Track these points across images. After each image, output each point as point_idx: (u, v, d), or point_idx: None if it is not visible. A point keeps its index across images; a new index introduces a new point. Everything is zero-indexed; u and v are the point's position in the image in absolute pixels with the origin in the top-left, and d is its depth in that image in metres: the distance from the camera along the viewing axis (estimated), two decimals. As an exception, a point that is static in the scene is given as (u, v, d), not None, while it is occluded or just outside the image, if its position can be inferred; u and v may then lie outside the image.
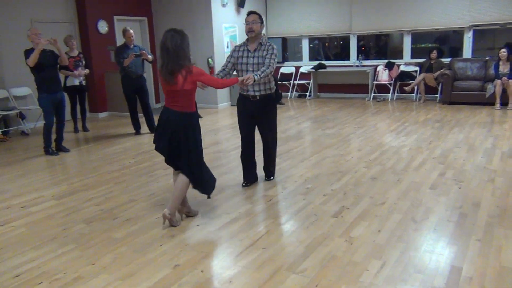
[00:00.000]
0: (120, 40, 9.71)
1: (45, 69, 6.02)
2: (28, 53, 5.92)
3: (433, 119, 7.82)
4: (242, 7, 10.68)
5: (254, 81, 4.00)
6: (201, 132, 3.75)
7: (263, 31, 4.51)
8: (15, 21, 8.20)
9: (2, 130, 7.77)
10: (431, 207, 3.88)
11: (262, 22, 4.30)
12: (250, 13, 4.32)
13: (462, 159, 5.30)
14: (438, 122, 7.57)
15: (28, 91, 8.29)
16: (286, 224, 3.65)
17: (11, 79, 8.18)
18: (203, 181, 3.70)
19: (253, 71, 4.20)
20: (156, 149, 3.71)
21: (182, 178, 3.64)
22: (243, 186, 4.62)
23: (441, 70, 9.41)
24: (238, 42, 10.54)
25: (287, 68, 11.72)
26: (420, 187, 4.40)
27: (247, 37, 4.35)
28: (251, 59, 4.25)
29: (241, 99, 4.45)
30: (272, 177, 4.83)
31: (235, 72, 4.41)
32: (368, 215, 3.75)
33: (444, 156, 5.46)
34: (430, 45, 10.65)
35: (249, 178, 4.69)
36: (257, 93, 4.31)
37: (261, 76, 4.07)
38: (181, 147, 3.58)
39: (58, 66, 6.35)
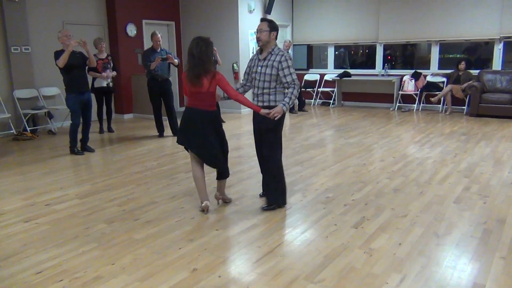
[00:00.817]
0: (148, 43, 9.88)
1: (74, 70, 6.16)
2: (58, 54, 6.07)
3: (459, 132, 7.67)
4: (269, 13, 10.72)
5: (284, 112, 3.85)
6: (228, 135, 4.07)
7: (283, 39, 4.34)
8: (47, 23, 8.43)
9: (30, 128, 7.97)
10: (455, 222, 3.80)
11: (272, 30, 3.95)
12: (261, 20, 4.08)
13: (488, 174, 5.17)
14: (464, 134, 7.42)
15: (57, 91, 8.50)
16: (305, 233, 3.63)
17: (41, 79, 8.40)
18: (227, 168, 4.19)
19: (260, 80, 3.96)
20: (187, 147, 4.07)
21: (200, 170, 4.11)
22: (260, 196, 4.51)
23: (469, 82, 9.24)
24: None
25: (312, 76, 11.69)
26: (443, 200, 4.32)
27: None
28: (259, 68, 3.98)
29: (253, 112, 4.16)
30: (266, 206, 4.17)
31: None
32: (389, 227, 3.70)
33: (469, 170, 5.34)
34: (458, 55, 10.48)
35: (264, 190, 4.41)
36: (260, 104, 4.00)
37: (290, 103, 3.90)
38: (212, 140, 3.95)
39: (87, 67, 6.49)
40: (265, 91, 3.97)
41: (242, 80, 4.30)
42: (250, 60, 4.21)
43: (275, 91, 3.97)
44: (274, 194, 4.19)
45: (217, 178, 4.21)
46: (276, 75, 3.92)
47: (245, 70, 4.26)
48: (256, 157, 4.36)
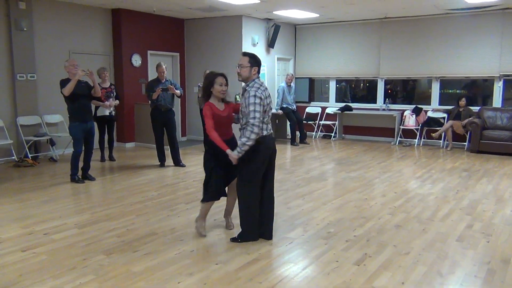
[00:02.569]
0: (152, 73, 10.01)
1: (79, 99, 6.21)
2: (63, 82, 6.13)
3: (460, 168, 7.66)
4: (272, 47, 10.91)
5: (238, 157, 3.82)
6: None
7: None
8: (53, 52, 8.56)
9: (32, 155, 7.98)
10: (458, 260, 3.75)
11: (253, 65, 3.86)
12: (242, 54, 3.99)
13: (490, 212, 5.14)
14: (465, 171, 7.42)
15: (60, 118, 8.54)
16: (306, 269, 3.58)
17: (45, 106, 8.47)
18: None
19: (240, 113, 3.95)
20: None
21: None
22: None
23: (470, 118, 9.30)
24: (266, 82, 10.72)
25: (313, 108, 11.79)
26: (446, 238, 4.27)
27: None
28: (241, 102, 3.93)
29: None
30: (233, 238, 4.13)
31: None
32: (391, 265, 3.65)
33: (471, 207, 5.31)
34: (458, 91, 10.58)
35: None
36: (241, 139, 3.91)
37: (242, 148, 3.78)
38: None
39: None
40: (243, 126, 3.90)
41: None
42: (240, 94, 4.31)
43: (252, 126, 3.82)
44: (242, 226, 4.14)
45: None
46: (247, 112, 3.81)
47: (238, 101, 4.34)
48: None
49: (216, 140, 3.92)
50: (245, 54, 4.00)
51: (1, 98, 7.74)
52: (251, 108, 3.76)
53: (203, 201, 4.28)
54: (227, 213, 4.53)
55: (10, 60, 7.93)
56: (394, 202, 5.52)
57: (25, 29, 7.97)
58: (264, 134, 3.92)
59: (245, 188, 4.02)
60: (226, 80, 4.08)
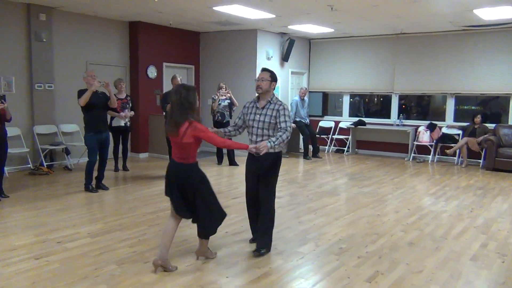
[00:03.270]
0: (167, 85, 10.13)
1: (95, 109, 6.30)
2: (81, 93, 6.24)
3: (475, 186, 7.56)
4: (286, 61, 10.96)
5: (268, 148, 3.88)
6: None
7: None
8: (71, 62, 8.72)
9: (47, 163, 8.09)
10: (472, 280, 3.69)
11: (273, 80, 4.16)
12: (262, 70, 4.26)
13: (506, 231, 5.06)
14: (480, 189, 7.32)
15: (76, 128, 8.66)
16: (317, 285, 3.55)
17: (62, 116, 8.60)
18: (208, 226, 3.86)
19: (258, 128, 4.12)
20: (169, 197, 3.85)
21: (174, 225, 3.80)
22: (250, 242, 4.47)
23: (485, 136, 9.20)
24: (280, 95, 10.76)
25: (327, 123, 11.77)
26: (460, 257, 4.21)
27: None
28: (258, 116, 4.12)
29: (248, 154, 4.29)
30: (261, 251, 4.13)
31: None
32: (403, 283, 3.60)
33: (486, 226, 5.23)
34: (473, 108, 10.49)
35: (256, 235, 4.42)
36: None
37: (276, 143, 3.94)
38: (188, 198, 3.71)
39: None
40: (264, 138, 4.09)
41: (233, 122, 4.42)
42: (244, 108, 4.32)
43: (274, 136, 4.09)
44: (267, 238, 4.23)
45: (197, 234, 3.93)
46: (275, 123, 4.10)
47: (238, 115, 4.38)
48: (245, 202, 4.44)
49: (234, 145, 4.08)
50: (265, 69, 4.26)
51: (19, 107, 7.88)
52: (287, 119, 4.10)
53: (210, 235, 3.93)
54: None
55: (29, 70, 8.10)
56: (407, 219, 5.47)
57: (44, 40, 8.14)
58: (281, 149, 4.20)
59: (272, 197, 4.22)
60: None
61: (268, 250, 4.22)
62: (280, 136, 4.00)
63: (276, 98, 4.22)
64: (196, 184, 3.71)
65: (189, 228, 4.91)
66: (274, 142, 3.95)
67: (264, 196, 4.20)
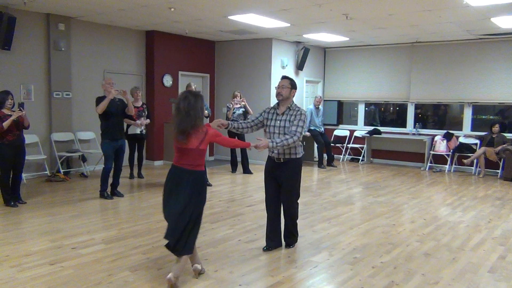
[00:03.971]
0: (182, 94, 10.17)
1: (112, 117, 6.38)
2: (99, 100, 6.33)
3: (493, 196, 7.42)
4: (301, 69, 10.97)
5: (269, 147, 4.04)
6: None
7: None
8: (89, 71, 8.86)
9: (64, 170, 8.19)
10: (490, 293, 3.60)
11: (293, 87, 4.31)
12: (282, 77, 4.39)
13: (525, 243, 4.94)
14: (499, 199, 7.18)
15: (93, 135, 8.77)
16: (331, 295, 3.51)
17: (79, 124, 8.73)
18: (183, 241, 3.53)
19: (279, 134, 4.25)
20: (164, 213, 3.69)
21: None
22: (263, 250, 4.46)
23: (504, 145, 9.05)
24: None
25: (341, 131, 11.72)
26: (477, 269, 4.12)
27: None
28: (278, 122, 4.28)
29: (268, 160, 4.44)
30: (291, 246, 4.59)
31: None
32: (419, 294, 3.54)
33: (505, 237, 5.12)
34: (491, 117, 10.33)
35: (270, 243, 4.49)
36: (281, 156, 4.29)
37: (278, 144, 4.04)
38: (185, 205, 3.52)
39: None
40: (284, 147, 4.20)
41: (251, 120, 4.50)
42: (265, 112, 4.44)
43: (295, 144, 4.24)
44: (293, 234, 4.61)
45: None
46: None
47: (257, 114, 4.50)
48: (265, 207, 4.56)
49: (239, 145, 4.40)
50: (285, 77, 4.40)
51: (37, 115, 8.02)
52: (301, 124, 4.20)
53: (186, 253, 3.55)
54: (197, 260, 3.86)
55: (48, 79, 8.24)
56: (423, 229, 5.38)
57: (63, 49, 8.29)
58: (302, 153, 4.39)
59: (294, 201, 4.44)
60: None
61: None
62: (286, 139, 4.09)
63: (296, 105, 4.35)
64: (202, 194, 3.63)
65: (202, 236, 4.92)
66: (277, 143, 4.04)
67: (288, 205, 4.43)
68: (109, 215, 5.89)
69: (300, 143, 4.36)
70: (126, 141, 7.61)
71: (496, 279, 3.89)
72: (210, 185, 7.66)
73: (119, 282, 3.62)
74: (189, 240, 3.54)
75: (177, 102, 3.54)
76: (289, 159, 4.28)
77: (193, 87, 7.60)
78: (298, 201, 4.53)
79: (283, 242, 4.60)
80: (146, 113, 8.21)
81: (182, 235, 3.49)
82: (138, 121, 7.93)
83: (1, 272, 3.79)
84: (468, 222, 5.75)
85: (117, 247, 4.48)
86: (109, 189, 6.71)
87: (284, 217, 4.52)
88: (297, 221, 4.59)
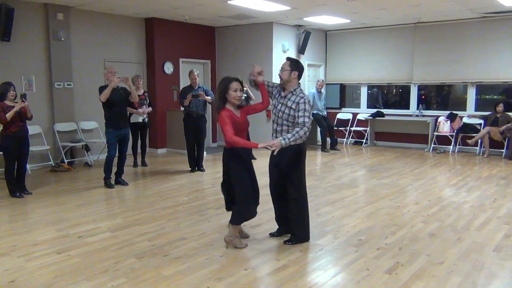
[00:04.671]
0: (184, 81, 10.16)
1: (116, 105, 6.37)
2: (102, 89, 6.32)
3: (498, 176, 7.40)
4: (303, 53, 10.89)
5: (282, 146, 3.80)
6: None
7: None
8: (89, 60, 8.82)
9: (68, 160, 8.22)
10: (495, 272, 3.61)
11: (294, 69, 4.03)
12: (286, 59, 4.18)
13: (530, 221, 4.94)
14: (503, 179, 7.16)
15: (95, 125, 8.77)
16: (336, 277, 3.53)
17: (81, 113, 8.73)
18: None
19: (278, 117, 4.07)
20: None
21: None
22: (270, 235, 4.45)
23: (508, 125, 8.99)
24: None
25: (344, 115, 11.67)
26: (482, 248, 4.13)
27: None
28: (280, 105, 4.08)
29: None
30: (290, 242, 4.21)
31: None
32: (424, 274, 3.55)
33: (510, 216, 5.11)
34: (495, 97, 10.25)
35: (278, 229, 4.45)
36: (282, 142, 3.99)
37: (291, 139, 3.83)
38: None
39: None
40: (284, 128, 4.05)
41: (269, 85, 4.35)
42: (275, 88, 4.28)
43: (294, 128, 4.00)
44: (298, 227, 4.26)
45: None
46: (294, 117, 3.98)
47: (271, 86, 4.33)
48: (270, 193, 4.40)
49: (241, 143, 3.84)
50: (287, 58, 4.16)
51: (39, 106, 8.02)
52: (306, 114, 3.94)
53: (237, 223, 4.10)
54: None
55: (49, 69, 8.22)
56: (428, 210, 5.38)
57: (62, 39, 8.25)
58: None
59: (299, 192, 4.18)
60: (242, 85, 4.01)
61: (304, 239, 4.27)
62: (297, 132, 3.88)
63: (300, 90, 4.08)
64: (234, 171, 3.99)
65: (207, 222, 4.95)
66: (289, 139, 3.83)
67: (293, 193, 4.16)
68: (114, 204, 5.92)
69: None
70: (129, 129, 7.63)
71: (501, 258, 3.89)
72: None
73: (126, 269, 3.65)
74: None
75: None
76: (291, 145, 3.97)
77: (195, 73, 7.58)
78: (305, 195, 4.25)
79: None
80: (148, 101, 8.21)
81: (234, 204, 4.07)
82: (140, 110, 7.92)
83: (9, 262, 3.83)
84: (473, 202, 5.74)
85: (123, 235, 4.51)
86: (113, 177, 6.73)
87: (289, 208, 4.24)
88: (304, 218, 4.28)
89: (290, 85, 4.07)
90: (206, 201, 5.86)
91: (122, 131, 6.55)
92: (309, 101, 4.01)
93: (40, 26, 8.08)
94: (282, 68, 4.10)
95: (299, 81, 4.13)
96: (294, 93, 4.04)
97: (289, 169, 4.12)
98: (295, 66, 4.06)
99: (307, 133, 3.93)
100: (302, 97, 3.99)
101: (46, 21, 8.11)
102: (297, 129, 3.91)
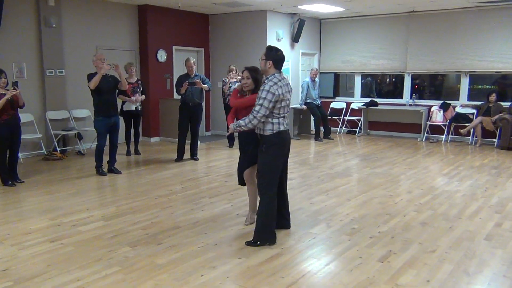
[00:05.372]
0: (176, 69, 10.11)
1: (104, 93, 6.32)
2: (91, 76, 6.25)
3: (489, 165, 7.46)
4: (297, 42, 10.84)
5: (233, 130, 3.97)
6: None
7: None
8: (81, 48, 8.72)
9: (60, 148, 8.17)
10: (486, 259, 3.65)
11: (268, 58, 3.87)
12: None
13: (521, 210, 4.99)
14: (495, 168, 7.22)
15: (88, 113, 8.71)
16: (329, 265, 3.55)
17: (73, 101, 8.65)
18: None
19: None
20: None
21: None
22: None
23: (500, 114, 9.04)
24: (290, 77, 10.68)
25: (338, 104, 11.67)
26: (474, 237, 4.17)
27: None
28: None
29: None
30: (248, 241, 3.95)
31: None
32: (416, 262, 3.58)
33: (501, 205, 5.17)
34: (488, 86, 10.29)
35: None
36: (257, 131, 3.99)
37: (237, 126, 3.88)
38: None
39: (117, 91, 6.65)
40: (248, 127, 3.92)
41: None
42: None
43: (266, 120, 3.85)
44: (259, 229, 3.94)
45: None
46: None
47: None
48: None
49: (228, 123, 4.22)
50: (266, 47, 4.02)
51: (31, 93, 7.94)
52: (260, 102, 3.75)
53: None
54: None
55: (40, 56, 8.12)
56: (420, 199, 5.42)
57: (54, 25, 8.14)
58: (281, 129, 3.88)
59: (263, 181, 3.94)
60: (250, 74, 4.07)
61: (257, 242, 3.90)
62: (246, 118, 3.82)
63: (273, 77, 3.84)
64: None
65: (201, 210, 4.95)
66: (238, 124, 3.89)
67: (259, 183, 4.02)
68: (108, 192, 5.91)
69: (278, 119, 3.85)
70: (122, 117, 7.58)
71: (492, 246, 3.94)
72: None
73: (120, 258, 3.65)
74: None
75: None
76: (261, 135, 3.94)
77: (192, 61, 7.53)
78: (290, 181, 4.19)
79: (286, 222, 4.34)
80: (141, 89, 8.14)
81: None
82: (133, 98, 7.87)
83: (2, 251, 3.81)
84: (465, 191, 5.79)
85: (116, 224, 4.51)
86: (106, 166, 6.70)
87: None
88: (292, 193, 4.32)
89: (267, 74, 3.94)
90: (200, 190, 5.86)
91: (112, 119, 6.49)
92: (269, 90, 3.73)
93: (31, 12, 7.96)
94: (260, 57, 3.99)
95: (280, 70, 3.94)
96: (265, 82, 3.86)
97: (259, 158, 3.98)
98: (270, 55, 3.89)
99: (254, 123, 3.79)
100: (265, 84, 3.79)
101: (37, 7, 7.99)
102: (248, 117, 3.82)
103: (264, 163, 3.92)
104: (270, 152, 3.88)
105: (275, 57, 3.90)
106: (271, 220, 3.95)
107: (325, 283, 3.24)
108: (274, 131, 3.85)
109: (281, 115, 3.88)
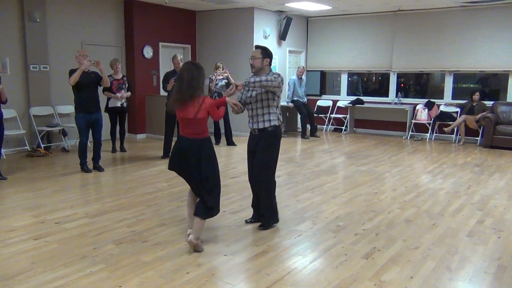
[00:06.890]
0: (163, 65, 10.06)
1: (85, 89, 6.24)
2: (72, 72, 6.18)
3: (472, 163, 7.58)
4: (284, 39, 10.85)
5: (244, 85, 3.96)
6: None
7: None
8: (66, 43, 8.61)
9: (44, 145, 8.07)
10: (468, 256, 3.72)
11: (265, 57, 4.10)
12: (255, 47, 4.27)
13: (502, 207, 5.08)
14: (478, 166, 7.34)
15: (72, 109, 8.53)
16: (315, 262, 3.58)
17: (58, 97, 8.54)
18: (210, 208, 3.77)
19: (251, 103, 4.14)
20: (178, 172, 3.88)
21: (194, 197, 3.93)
22: (245, 222, 4.47)
23: (483, 113, 9.18)
24: (277, 73, 10.68)
25: (324, 102, 11.73)
26: (456, 233, 4.24)
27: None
28: (254, 92, 4.12)
29: (249, 134, 4.32)
30: (261, 227, 4.28)
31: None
32: (400, 259, 3.63)
33: (483, 203, 5.26)
34: (472, 85, 10.45)
35: (254, 215, 4.47)
36: (255, 126, 4.16)
37: (252, 81, 3.94)
38: (200, 173, 3.72)
39: (102, 88, 6.58)
40: (259, 111, 4.13)
41: (241, 99, 4.28)
42: (244, 90, 4.22)
43: (268, 112, 4.12)
44: (266, 212, 4.30)
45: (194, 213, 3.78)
46: (269, 97, 4.09)
47: (239, 94, 4.28)
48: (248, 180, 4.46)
49: (223, 109, 3.92)
50: (257, 47, 4.25)
51: (14, 89, 7.81)
52: (270, 77, 4.01)
53: (212, 215, 3.86)
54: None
55: (24, 51, 8.00)
56: (404, 197, 5.49)
57: (38, 20, 8.02)
58: (277, 124, 4.18)
59: (266, 175, 4.21)
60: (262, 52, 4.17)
61: (271, 224, 4.32)
62: (260, 77, 3.99)
63: (272, 72, 4.17)
64: (210, 158, 3.78)
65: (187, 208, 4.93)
66: (249, 80, 3.94)
67: (260, 179, 4.21)
68: (92, 189, 5.86)
69: (277, 115, 4.17)
70: (107, 114, 7.52)
71: (474, 243, 4.01)
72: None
73: (104, 256, 3.63)
74: (216, 201, 3.80)
75: (181, 71, 3.70)
76: (263, 129, 4.12)
77: (179, 58, 7.49)
78: (276, 178, 4.31)
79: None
80: (127, 85, 8.07)
81: (208, 197, 3.74)
82: (118, 94, 7.81)
83: (-16, 248, 3.76)
84: (448, 189, 5.88)
85: (101, 221, 4.47)
86: (91, 163, 6.64)
87: (258, 192, 4.31)
88: (277, 191, 4.42)
89: (263, 72, 4.14)
90: (186, 187, 5.79)
91: (93, 116, 6.41)
92: (276, 79, 4.04)
93: (15, 6, 7.83)
94: (253, 56, 4.13)
95: (270, 67, 4.22)
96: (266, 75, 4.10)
97: (260, 153, 4.17)
98: (266, 53, 4.14)
99: (263, 84, 3.97)
100: (274, 73, 4.14)
101: (21, 1, 7.86)
102: (261, 76, 4.02)
103: (273, 155, 4.22)
104: (277, 145, 4.23)
105: (270, 55, 4.18)
106: (274, 198, 4.36)
107: (310, 280, 3.26)
108: (276, 125, 4.17)
109: (279, 110, 4.20)
